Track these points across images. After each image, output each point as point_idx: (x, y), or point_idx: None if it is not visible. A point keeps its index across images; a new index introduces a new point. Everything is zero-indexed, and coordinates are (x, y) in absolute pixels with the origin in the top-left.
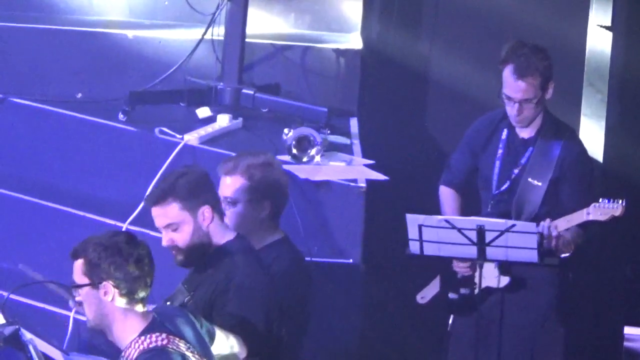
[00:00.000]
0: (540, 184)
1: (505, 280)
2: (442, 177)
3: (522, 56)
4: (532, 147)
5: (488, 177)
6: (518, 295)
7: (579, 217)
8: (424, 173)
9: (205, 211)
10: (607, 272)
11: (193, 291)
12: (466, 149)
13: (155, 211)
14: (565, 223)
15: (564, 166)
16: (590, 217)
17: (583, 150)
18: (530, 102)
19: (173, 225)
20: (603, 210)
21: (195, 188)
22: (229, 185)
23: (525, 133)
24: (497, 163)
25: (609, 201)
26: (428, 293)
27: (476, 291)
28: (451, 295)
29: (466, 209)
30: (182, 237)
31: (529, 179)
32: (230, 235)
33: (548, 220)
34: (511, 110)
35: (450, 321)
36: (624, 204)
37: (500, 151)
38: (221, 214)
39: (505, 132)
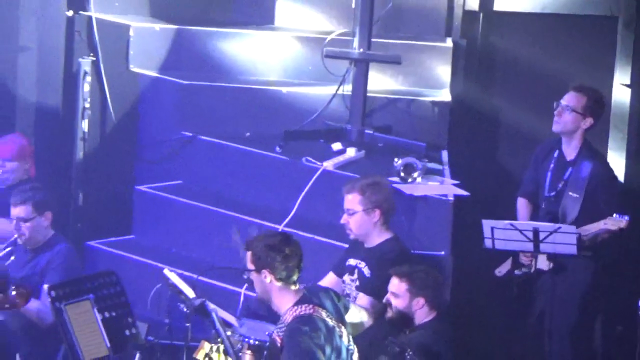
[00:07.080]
0: (577, 196)
1: (549, 265)
2: (519, 190)
3: (586, 85)
4: (572, 167)
5: (542, 183)
6: (563, 277)
7: (597, 226)
8: (495, 190)
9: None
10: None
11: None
12: (533, 164)
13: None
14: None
15: (594, 184)
16: (607, 227)
17: (608, 174)
18: (569, 109)
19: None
20: (614, 222)
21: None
22: (350, 200)
23: (569, 155)
24: (549, 174)
25: (619, 216)
26: (503, 269)
27: (532, 270)
28: (517, 272)
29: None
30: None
31: (570, 192)
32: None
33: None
34: (555, 116)
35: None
36: (628, 219)
37: (551, 165)
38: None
39: (556, 152)
